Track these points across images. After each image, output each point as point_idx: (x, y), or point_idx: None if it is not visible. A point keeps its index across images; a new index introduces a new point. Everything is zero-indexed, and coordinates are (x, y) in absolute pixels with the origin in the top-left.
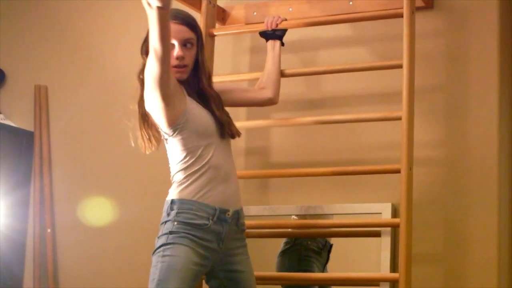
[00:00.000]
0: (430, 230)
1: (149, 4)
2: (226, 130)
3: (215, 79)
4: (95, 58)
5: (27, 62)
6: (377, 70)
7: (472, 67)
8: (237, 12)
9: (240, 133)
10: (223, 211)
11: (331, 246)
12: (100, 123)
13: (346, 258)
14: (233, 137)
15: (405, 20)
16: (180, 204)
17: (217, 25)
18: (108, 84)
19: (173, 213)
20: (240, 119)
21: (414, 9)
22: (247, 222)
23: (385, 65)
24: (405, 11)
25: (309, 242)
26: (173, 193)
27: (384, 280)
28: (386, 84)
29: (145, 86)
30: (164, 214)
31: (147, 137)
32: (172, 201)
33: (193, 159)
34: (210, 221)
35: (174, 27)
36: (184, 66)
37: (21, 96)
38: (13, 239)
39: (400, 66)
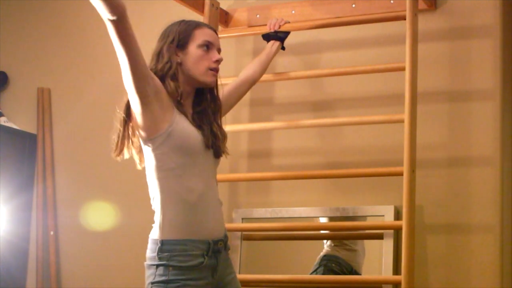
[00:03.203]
0: (432, 233)
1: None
2: (215, 148)
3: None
4: (98, 61)
5: (30, 64)
6: (380, 73)
7: (474, 70)
8: (240, 14)
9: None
10: (216, 242)
11: (356, 273)
12: (103, 126)
13: None
14: (219, 156)
15: (408, 22)
16: (173, 246)
17: (220, 28)
18: (111, 86)
19: (165, 256)
20: (243, 122)
21: (417, 12)
22: (250, 224)
23: (387, 67)
24: (408, 14)
25: (333, 265)
26: (160, 232)
27: (387, 282)
28: (389, 87)
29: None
30: (153, 254)
31: (125, 140)
32: (162, 242)
33: (169, 180)
34: (206, 257)
35: (210, 32)
36: (218, 70)
37: (24, 98)
38: (15, 243)
39: (402, 69)
